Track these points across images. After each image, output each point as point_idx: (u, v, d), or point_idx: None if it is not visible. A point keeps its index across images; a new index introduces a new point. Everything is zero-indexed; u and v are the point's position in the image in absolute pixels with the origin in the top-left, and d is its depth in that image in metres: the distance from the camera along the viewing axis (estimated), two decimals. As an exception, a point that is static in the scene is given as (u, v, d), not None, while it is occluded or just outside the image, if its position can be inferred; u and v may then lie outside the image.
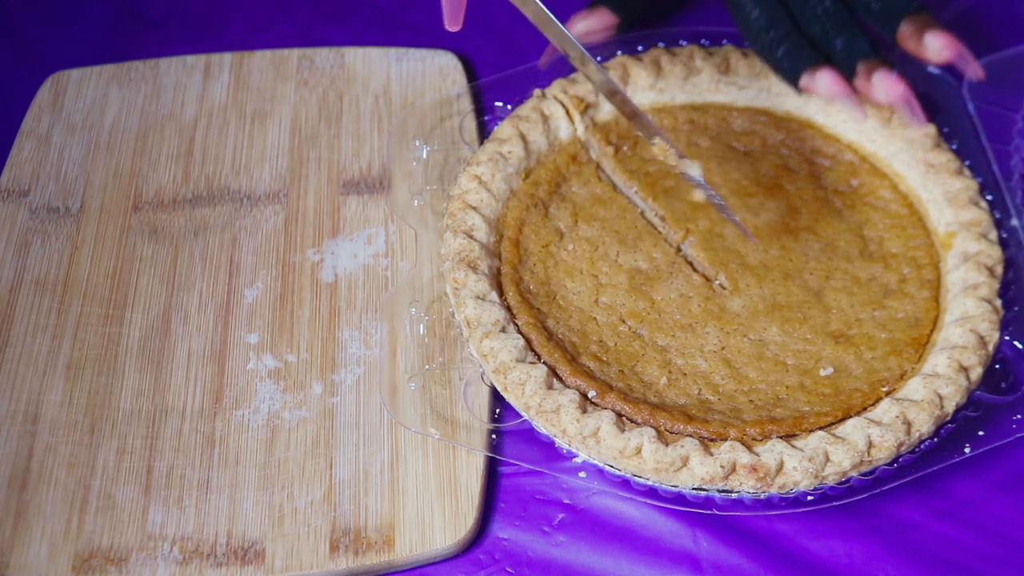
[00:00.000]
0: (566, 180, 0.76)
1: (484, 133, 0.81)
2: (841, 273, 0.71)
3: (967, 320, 0.66)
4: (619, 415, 0.63)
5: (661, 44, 0.82)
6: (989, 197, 0.73)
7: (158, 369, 0.71)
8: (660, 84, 0.80)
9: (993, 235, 0.71)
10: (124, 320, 0.73)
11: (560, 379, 0.65)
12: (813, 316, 0.69)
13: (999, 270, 0.69)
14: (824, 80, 0.68)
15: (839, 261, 0.72)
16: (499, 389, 0.65)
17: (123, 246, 0.77)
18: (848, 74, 0.69)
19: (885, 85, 0.67)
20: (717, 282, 0.71)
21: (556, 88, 0.78)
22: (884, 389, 0.65)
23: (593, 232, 0.73)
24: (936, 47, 0.69)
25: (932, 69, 0.82)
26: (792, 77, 0.70)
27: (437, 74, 0.88)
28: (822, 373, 0.66)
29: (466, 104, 0.84)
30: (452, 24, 0.66)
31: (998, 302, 0.67)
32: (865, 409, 0.64)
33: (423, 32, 0.94)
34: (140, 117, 0.85)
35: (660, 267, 0.72)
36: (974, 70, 0.70)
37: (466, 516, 0.64)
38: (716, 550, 0.64)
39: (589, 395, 0.64)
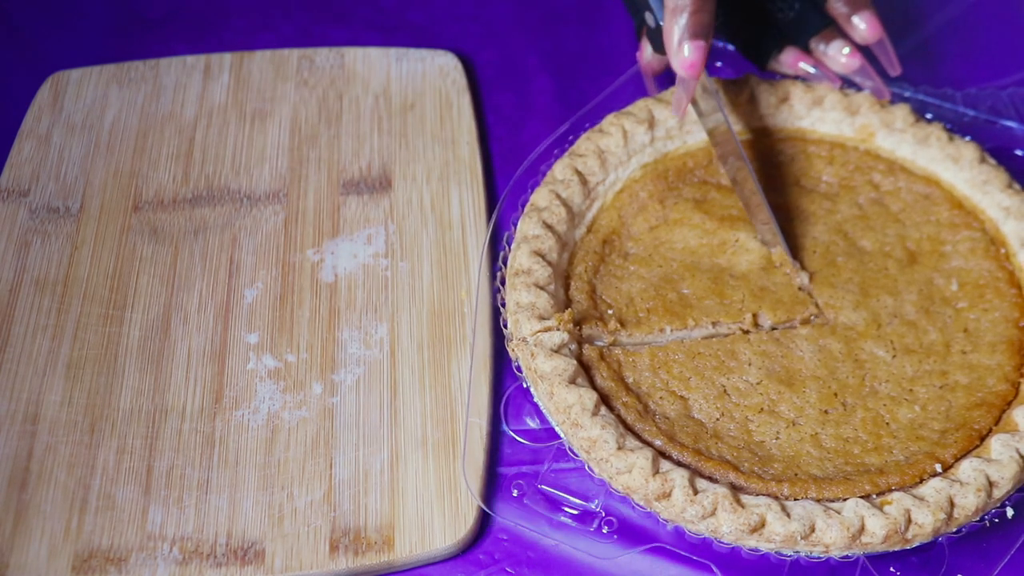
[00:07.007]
0: (622, 367, 0.68)
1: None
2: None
3: None
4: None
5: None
6: None
7: (158, 369, 0.71)
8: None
9: None
10: (124, 320, 0.73)
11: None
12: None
13: None
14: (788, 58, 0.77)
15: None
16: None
17: (123, 246, 0.77)
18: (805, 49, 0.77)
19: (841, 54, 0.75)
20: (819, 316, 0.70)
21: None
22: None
23: (690, 387, 0.68)
24: (862, 28, 0.73)
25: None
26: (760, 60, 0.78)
27: (437, 74, 0.88)
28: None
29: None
30: (677, 110, 0.71)
31: None
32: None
33: (423, 32, 0.94)
34: (140, 117, 0.85)
35: (750, 361, 0.68)
36: (891, 62, 0.74)
37: (466, 516, 0.64)
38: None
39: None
